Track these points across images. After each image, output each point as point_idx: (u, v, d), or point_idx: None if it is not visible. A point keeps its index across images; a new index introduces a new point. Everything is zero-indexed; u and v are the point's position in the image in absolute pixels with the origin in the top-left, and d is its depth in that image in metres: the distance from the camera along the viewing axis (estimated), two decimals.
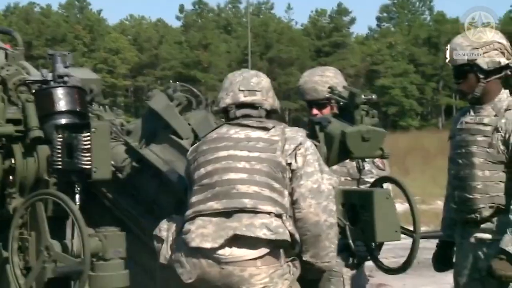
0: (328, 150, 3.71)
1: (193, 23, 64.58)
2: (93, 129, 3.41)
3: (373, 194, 3.64)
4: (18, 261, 3.51)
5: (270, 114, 3.62)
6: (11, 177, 3.62)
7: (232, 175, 3.35)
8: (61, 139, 3.51)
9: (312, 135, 3.75)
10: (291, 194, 3.40)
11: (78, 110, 3.75)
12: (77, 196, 3.51)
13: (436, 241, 4.56)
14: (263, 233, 3.26)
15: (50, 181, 3.62)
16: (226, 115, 3.59)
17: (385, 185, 4.02)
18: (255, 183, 3.35)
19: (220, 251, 3.25)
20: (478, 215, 4.15)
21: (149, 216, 3.75)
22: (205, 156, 3.42)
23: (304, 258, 3.41)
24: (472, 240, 4.20)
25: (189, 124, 3.87)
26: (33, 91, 3.78)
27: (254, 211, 3.29)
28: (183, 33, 64.65)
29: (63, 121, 3.67)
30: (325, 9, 66.21)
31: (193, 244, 3.27)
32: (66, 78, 3.78)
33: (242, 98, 3.55)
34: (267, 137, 3.44)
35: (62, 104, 3.71)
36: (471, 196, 4.15)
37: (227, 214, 3.30)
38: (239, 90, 3.56)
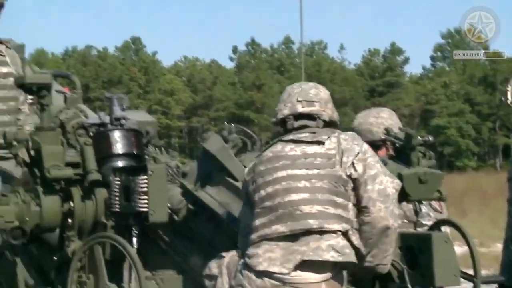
0: None
1: (246, 64, 65.09)
2: (150, 172, 3.44)
3: (432, 237, 3.58)
4: None
5: (329, 126, 3.60)
6: (69, 220, 3.65)
7: (294, 196, 3.35)
8: (118, 182, 3.54)
9: None
10: (358, 202, 3.39)
11: (135, 152, 3.78)
12: (134, 239, 3.53)
13: (496, 285, 4.47)
14: (330, 256, 3.27)
15: (108, 224, 3.64)
16: (284, 127, 3.58)
17: (443, 228, 3.96)
18: (318, 202, 3.33)
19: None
20: None
21: (205, 258, 3.74)
22: (263, 178, 3.42)
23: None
24: None
25: (244, 166, 3.87)
26: (91, 134, 3.83)
27: (321, 232, 3.29)
28: (236, 74, 65.16)
29: (120, 164, 3.70)
30: (378, 49, 66.12)
31: (260, 268, 3.29)
32: (123, 121, 3.82)
33: (300, 108, 3.55)
34: (324, 151, 3.42)
35: (119, 146, 3.75)
36: None
37: (293, 236, 3.31)
38: (297, 101, 3.56)
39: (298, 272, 3.27)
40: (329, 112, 3.59)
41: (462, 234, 3.67)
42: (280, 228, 3.31)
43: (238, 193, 3.74)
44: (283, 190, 3.37)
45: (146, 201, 3.43)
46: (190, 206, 3.81)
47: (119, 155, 3.73)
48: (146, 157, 3.93)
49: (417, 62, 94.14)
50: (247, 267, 3.33)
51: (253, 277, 3.30)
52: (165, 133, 58.63)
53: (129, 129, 3.81)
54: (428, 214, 4.32)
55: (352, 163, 3.40)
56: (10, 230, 3.55)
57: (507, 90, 4.24)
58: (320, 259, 3.26)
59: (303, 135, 3.48)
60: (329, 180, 3.37)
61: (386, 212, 3.38)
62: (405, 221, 4.31)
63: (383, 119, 4.39)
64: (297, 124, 3.53)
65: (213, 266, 3.47)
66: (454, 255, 3.59)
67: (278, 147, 3.49)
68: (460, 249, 3.98)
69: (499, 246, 4.63)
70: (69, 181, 3.66)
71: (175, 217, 3.78)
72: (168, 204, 3.62)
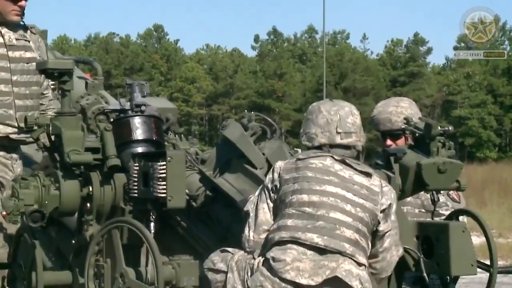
0: (403, 182, 3.69)
1: (268, 52, 64.95)
2: (169, 158, 3.45)
3: (449, 226, 3.59)
4: (93, 287, 3.55)
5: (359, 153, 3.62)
6: (88, 205, 3.68)
7: (339, 216, 3.36)
8: (137, 168, 3.56)
9: (386, 166, 3.73)
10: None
11: (154, 139, 3.80)
12: (152, 224, 3.55)
13: None
14: (356, 285, 3.29)
15: (126, 209, 3.66)
16: (314, 147, 3.56)
17: (461, 218, 3.95)
18: (357, 230, 3.36)
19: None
20: None
21: (223, 244, 3.76)
22: (310, 183, 3.40)
23: None
24: None
25: (263, 154, 3.88)
26: (111, 120, 3.85)
27: (351, 259, 3.32)
28: (258, 63, 65.05)
29: (140, 149, 3.72)
30: (401, 39, 65.71)
31: (288, 276, 3.27)
32: (143, 108, 3.84)
33: (339, 140, 3.53)
34: (369, 185, 3.44)
35: (139, 133, 3.77)
36: None
37: (323, 251, 3.31)
38: (337, 133, 3.53)
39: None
40: (363, 140, 3.61)
41: (479, 224, 3.66)
42: (316, 238, 3.31)
43: (256, 180, 3.74)
44: (330, 205, 3.36)
45: (164, 187, 3.45)
46: (208, 192, 3.83)
47: (138, 141, 3.76)
48: (166, 143, 3.95)
49: (440, 53, 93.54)
50: (271, 270, 3.29)
51: (278, 280, 3.28)
52: (185, 121, 58.73)
53: (149, 115, 3.83)
54: (446, 204, 4.31)
55: (385, 214, 3.45)
56: (29, 213, 3.59)
57: None
58: (349, 283, 3.28)
59: (353, 163, 3.48)
60: (370, 215, 3.40)
61: (396, 256, 3.52)
62: (422, 210, 4.31)
63: (402, 108, 4.39)
64: (332, 152, 3.50)
65: (217, 260, 3.44)
66: (471, 244, 3.59)
67: (328, 161, 3.46)
68: (478, 239, 3.98)
69: None
70: (88, 166, 3.69)
71: (193, 203, 3.80)
72: (187, 190, 3.64)
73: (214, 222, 3.87)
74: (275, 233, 3.37)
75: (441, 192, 4.25)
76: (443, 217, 4.14)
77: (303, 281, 3.26)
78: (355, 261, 3.32)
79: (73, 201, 3.68)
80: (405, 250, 3.64)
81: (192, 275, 3.48)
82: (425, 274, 3.64)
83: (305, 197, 3.37)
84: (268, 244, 3.39)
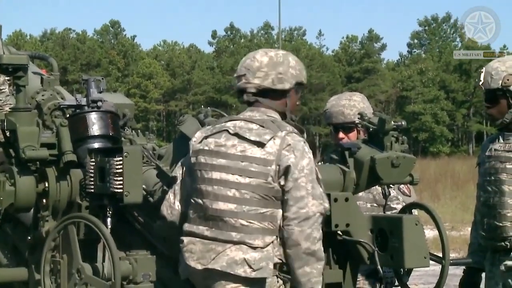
0: (357, 176, 3.73)
1: (225, 48, 64.92)
2: (125, 153, 3.45)
3: (402, 220, 3.64)
4: (50, 283, 3.53)
5: (267, 95, 3.47)
6: (44, 200, 3.66)
7: (221, 205, 3.35)
8: (93, 163, 3.56)
9: (341, 161, 3.78)
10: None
11: (111, 134, 3.79)
12: (109, 220, 3.55)
13: (464, 267, 4.54)
14: (242, 271, 3.29)
15: (83, 204, 3.65)
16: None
17: (414, 211, 4.02)
18: (243, 215, 3.32)
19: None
20: (508, 243, 4.14)
21: None
22: (201, 171, 3.42)
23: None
24: (502, 268, 4.18)
25: None
26: (67, 115, 3.84)
27: (241, 244, 3.31)
28: (215, 59, 65.01)
29: (96, 145, 3.72)
30: (356, 36, 66.23)
31: (183, 257, 3.40)
32: (99, 103, 3.83)
33: (237, 83, 3.52)
34: (262, 156, 3.34)
35: (95, 128, 3.76)
36: (501, 224, 4.15)
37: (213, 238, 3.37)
38: (235, 77, 3.54)
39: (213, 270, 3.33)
40: (256, 81, 3.46)
41: (432, 218, 3.73)
42: (205, 231, 3.36)
43: None
44: (213, 194, 3.37)
45: (121, 182, 3.44)
46: (165, 187, 3.84)
47: (95, 137, 3.75)
48: (122, 139, 3.95)
49: (394, 49, 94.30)
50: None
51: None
52: (143, 117, 58.45)
53: (105, 111, 3.82)
54: (397, 198, 4.38)
55: (285, 176, 3.33)
56: None
57: (481, 72, 4.29)
58: (232, 273, 3.29)
59: (248, 133, 3.38)
60: (260, 191, 3.32)
61: (300, 235, 3.32)
62: (374, 204, 4.38)
63: (355, 101, 4.46)
64: (239, 100, 3.49)
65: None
66: (423, 237, 3.65)
67: (222, 138, 3.42)
68: (431, 232, 4.05)
69: (469, 230, 4.70)
70: (44, 162, 3.67)
71: (150, 198, 3.81)
72: (144, 186, 3.64)
73: None
74: (186, 220, 3.46)
75: (392, 186, 4.31)
76: (395, 211, 4.21)
77: (192, 263, 3.36)
78: (247, 245, 3.30)
79: (29, 197, 3.66)
80: (360, 243, 3.69)
81: (149, 270, 3.48)
82: (379, 267, 3.69)
83: (197, 186, 3.42)
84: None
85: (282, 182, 3.34)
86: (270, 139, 3.36)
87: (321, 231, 3.39)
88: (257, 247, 3.31)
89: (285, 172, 3.34)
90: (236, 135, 3.41)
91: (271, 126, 3.39)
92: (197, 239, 3.39)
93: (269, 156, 3.34)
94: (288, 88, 3.49)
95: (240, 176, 3.35)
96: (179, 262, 3.48)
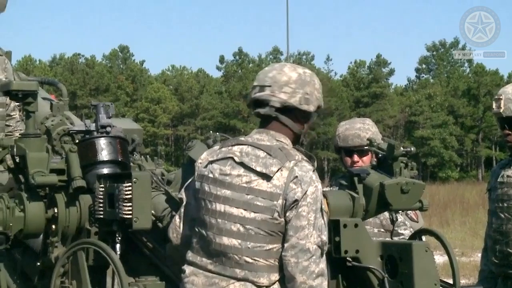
0: (366, 202, 3.72)
1: (233, 73, 65.11)
2: (134, 179, 3.45)
3: (412, 246, 3.62)
4: None
5: (287, 113, 3.28)
6: (53, 226, 3.66)
7: (225, 240, 3.19)
8: (103, 189, 3.56)
9: (350, 186, 3.77)
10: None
11: (120, 160, 3.80)
12: (118, 246, 3.54)
13: None
14: None
15: (92, 230, 3.65)
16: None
17: (423, 238, 4.00)
18: (247, 252, 3.15)
19: None
20: None
21: None
22: (205, 201, 3.27)
23: None
24: None
25: None
26: (77, 141, 3.85)
27: (245, 281, 3.17)
28: (223, 83, 65.19)
29: (105, 170, 3.72)
30: (364, 60, 66.38)
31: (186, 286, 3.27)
32: (108, 129, 3.84)
33: (253, 94, 3.31)
34: (268, 189, 3.15)
35: (104, 154, 3.77)
36: None
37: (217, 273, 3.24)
38: (253, 87, 3.32)
39: None
40: (283, 96, 3.25)
41: (442, 244, 3.71)
42: (209, 265, 3.23)
43: None
44: (217, 228, 3.21)
45: (130, 208, 3.44)
46: (174, 213, 3.84)
47: (104, 162, 3.76)
48: (131, 164, 3.96)
49: (402, 74, 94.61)
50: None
51: None
52: (151, 141, 58.58)
53: (114, 136, 3.83)
54: (404, 223, 4.37)
55: (291, 207, 3.14)
56: None
57: (499, 98, 4.24)
58: None
59: (254, 162, 3.18)
60: (265, 227, 3.15)
61: (296, 267, 3.12)
62: (382, 230, 4.36)
63: (368, 125, 4.50)
64: (253, 112, 3.29)
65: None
66: (434, 264, 3.63)
67: (227, 166, 3.24)
68: (441, 258, 4.03)
69: (479, 256, 4.68)
70: (53, 188, 3.68)
71: (159, 224, 3.80)
72: (152, 211, 3.64)
73: None
74: (188, 248, 3.34)
75: (400, 212, 4.30)
76: (402, 237, 4.19)
77: None
78: (252, 283, 3.15)
79: (38, 222, 3.66)
80: (370, 269, 3.67)
81: None
82: None
83: (200, 216, 3.28)
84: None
85: (288, 213, 3.16)
86: (277, 170, 3.17)
87: (323, 265, 3.21)
88: (262, 286, 3.16)
89: (291, 206, 3.15)
90: (242, 164, 3.22)
91: (279, 155, 3.19)
92: (200, 271, 3.27)
93: (276, 190, 3.15)
94: (312, 111, 3.31)
95: (245, 210, 3.17)
96: None
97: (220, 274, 3.21)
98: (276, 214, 3.15)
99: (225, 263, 3.21)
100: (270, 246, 3.17)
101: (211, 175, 3.29)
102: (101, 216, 3.56)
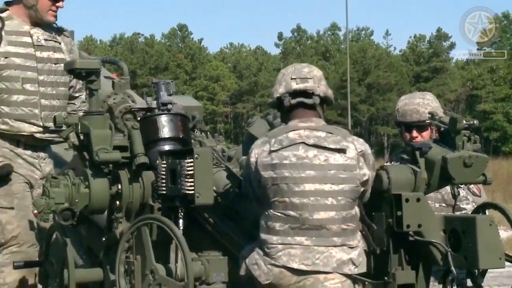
0: (428, 176, 3.69)
1: (291, 50, 64.91)
2: (196, 155, 3.48)
3: (476, 220, 3.58)
4: (124, 284, 3.59)
5: (325, 103, 3.67)
6: (117, 202, 3.72)
7: (322, 214, 3.47)
8: (165, 165, 3.60)
9: (412, 161, 3.74)
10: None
11: (181, 137, 3.83)
12: (181, 221, 3.58)
13: None
14: (348, 269, 3.45)
15: (155, 206, 3.70)
16: (280, 107, 3.67)
17: (487, 212, 3.95)
18: (343, 220, 3.49)
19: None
20: None
21: (250, 240, 3.79)
22: (288, 185, 3.49)
23: None
24: None
25: None
26: (138, 118, 3.89)
27: (342, 246, 3.48)
28: (281, 60, 65.01)
29: (167, 147, 3.76)
30: (424, 35, 65.39)
31: (280, 262, 3.45)
32: (169, 106, 3.87)
33: (295, 85, 3.62)
34: (346, 162, 3.51)
35: (166, 131, 3.80)
36: None
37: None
38: (291, 79, 3.63)
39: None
40: (323, 88, 3.65)
41: (507, 218, 3.66)
42: (304, 241, 3.48)
43: None
44: (312, 206, 3.48)
45: (192, 184, 3.47)
46: (235, 189, 3.86)
47: (165, 139, 3.79)
48: (192, 141, 3.98)
49: (463, 48, 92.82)
50: (264, 252, 3.49)
51: (271, 261, 3.47)
52: (210, 119, 58.86)
53: (175, 113, 3.86)
54: (466, 198, 4.32)
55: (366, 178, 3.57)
56: (60, 212, 3.64)
57: None
58: (341, 272, 3.45)
59: (324, 142, 3.53)
60: (352, 195, 3.52)
61: None
62: (443, 204, 4.32)
63: (429, 100, 4.43)
64: (294, 101, 3.61)
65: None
66: (498, 238, 3.59)
67: (300, 150, 3.53)
68: (505, 233, 3.97)
69: None
70: (117, 164, 3.73)
71: (221, 199, 3.83)
72: (214, 187, 3.66)
73: (241, 218, 3.90)
74: (265, 234, 3.51)
75: (462, 186, 4.25)
76: (464, 211, 4.14)
77: (294, 265, 3.43)
78: (347, 246, 3.48)
79: (103, 199, 3.72)
80: (432, 244, 3.65)
81: (221, 270, 3.52)
82: (453, 268, 3.64)
83: (286, 200, 3.49)
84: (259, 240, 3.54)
85: (363, 174, 3.55)
86: (348, 144, 3.54)
87: None
88: (353, 246, 3.50)
89: (365, 164, 3.55)
90: (315, 146, 3.52)
91: (339, 132, 3.57)
92: (295, 245, 3.47)
93: (352, 161, 3.52)
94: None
95: (333, 184, 3.48)
96: (254, 268, 3.50)
97: (318, 246, 3.46)
98: (358, 182, 3.53)
99: (323, 235, 3.46)
100: (354, 211, 3.53)
101: (286, 161, 3.50)
102: (164, 192, 3.61)
